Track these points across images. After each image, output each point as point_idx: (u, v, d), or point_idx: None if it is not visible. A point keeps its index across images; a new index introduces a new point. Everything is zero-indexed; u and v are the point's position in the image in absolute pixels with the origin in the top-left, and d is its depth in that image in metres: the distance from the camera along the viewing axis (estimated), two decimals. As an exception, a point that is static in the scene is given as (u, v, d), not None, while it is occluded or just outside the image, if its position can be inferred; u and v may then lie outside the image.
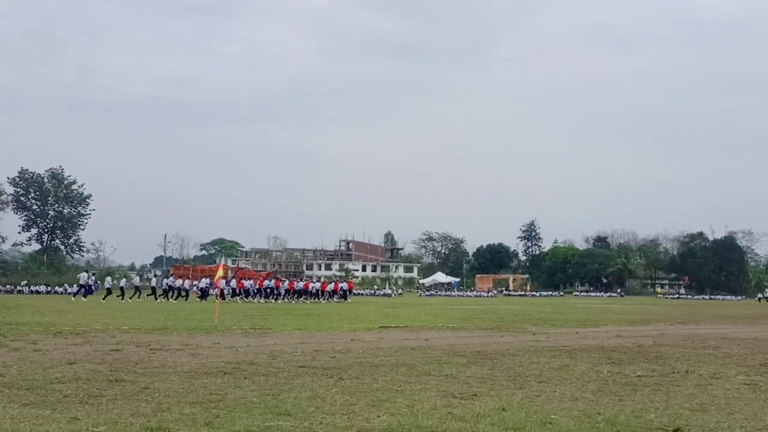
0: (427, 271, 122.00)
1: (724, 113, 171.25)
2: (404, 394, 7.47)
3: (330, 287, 46.85)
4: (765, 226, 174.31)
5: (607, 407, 6.92)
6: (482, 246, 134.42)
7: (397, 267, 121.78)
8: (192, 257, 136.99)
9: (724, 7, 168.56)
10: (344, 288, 48.16)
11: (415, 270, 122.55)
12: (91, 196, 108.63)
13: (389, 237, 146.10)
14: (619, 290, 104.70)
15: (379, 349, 12.36)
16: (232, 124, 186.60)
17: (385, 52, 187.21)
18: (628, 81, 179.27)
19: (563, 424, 6.03)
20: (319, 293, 45.12)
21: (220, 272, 24.55)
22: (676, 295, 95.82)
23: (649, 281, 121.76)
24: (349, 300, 46.12)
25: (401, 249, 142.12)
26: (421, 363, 10.25)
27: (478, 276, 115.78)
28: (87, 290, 41.43)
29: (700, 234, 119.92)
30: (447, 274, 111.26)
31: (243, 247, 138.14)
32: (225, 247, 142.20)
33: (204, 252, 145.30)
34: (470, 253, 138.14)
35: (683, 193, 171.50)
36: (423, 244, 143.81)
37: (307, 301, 42.60)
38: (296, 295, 44.16)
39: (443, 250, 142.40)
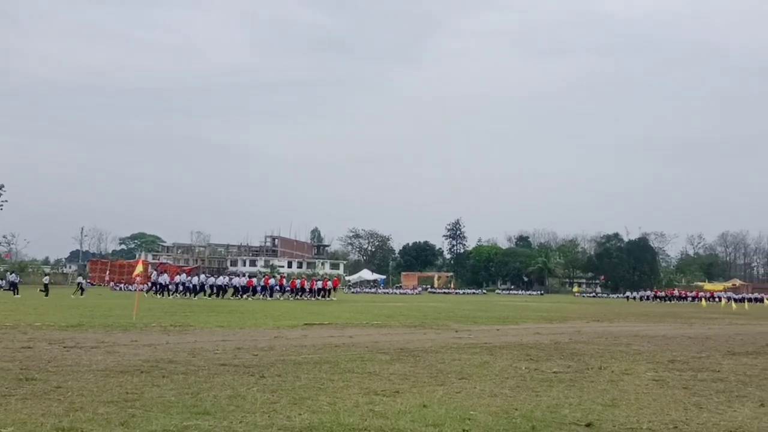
0: (354, 268, 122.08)
1: (639, 117, 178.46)
2: (326, 391, 7.45)
3: (318, 285, 47.29)
4: (676, 228, 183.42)
5: (524, 403, 7.10)
6: (408, 244, 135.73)
7: (323, 264, 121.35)
8: (110, 252, 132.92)
9: (639, 16, 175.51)
10: (330, 287, 48.51)
11: (342, 267, 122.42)
12: (3, 186, 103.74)
13: (316, 233, 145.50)
14: (541, 290, 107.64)
15: (303, 346, 12.30)
16: (156, 115, 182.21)
17: (316, 47, 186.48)
18: (551, 83, 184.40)
19: (481, 419, 6.15)
20: (306, 291, 45.49)
21: (139, 268, 23.81)
22: (593, 294, 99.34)
23: (567, 280, 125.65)
24: (333, 298, 46.63)
25: (328, 246, 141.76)
26: (344, 360, 10.25)
27: (403, 273, 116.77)
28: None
29: (616, 235, 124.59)
30: (373, 271, 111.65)
31: (164, 242, 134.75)
32: (145, 242, 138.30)
33: (123, 246, 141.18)
34: (396, 251, 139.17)
35: (601, 195, 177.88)
36: (350, 241, 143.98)
37: (291, 298, 43.06)
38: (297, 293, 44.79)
39: (370, 248, 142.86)
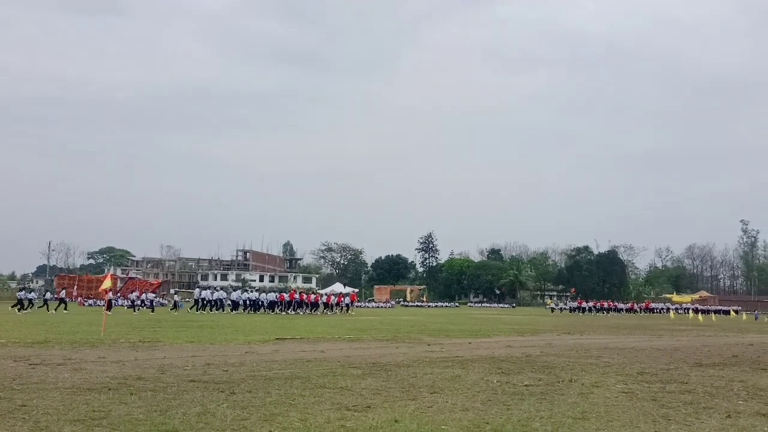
0: (326, 281, 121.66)
1: (608, 132, 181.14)
2: (298, 407, 7.39)
3: (333, 299, 49.59)
4: (644, 241, 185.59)
5: (495, 417, 7.11)
6: (381, 257, 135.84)
7: (295, 277, 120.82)
8: (78, 266, 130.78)
9: (609, 33, 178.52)
10: (348, 302, 51.29)
11: (314, 281, 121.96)
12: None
13: (288, 247, 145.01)
14: (512, 302, 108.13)
15: (274, 361, 12.19)
16: (123, 127, 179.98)
17: (287, 60, 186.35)
18: (521, 97, 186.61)
19: (453, 434, 6.15)
20: (325, 305, 47.26)
21: (107, 283, 23.43)
22: (568, 308, 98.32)
23: (538, 292, 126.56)
24: (352, 312, 48.37)
25: (300, 259, 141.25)
26: (316, 375, 10.18)
27: (376, 287, 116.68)
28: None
29: (586, 248, 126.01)
30: (345, 284, 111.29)
31: (134, 256, 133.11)
32: (114, 256, 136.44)
33: (92, 261, 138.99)
34: (369, 264, 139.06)
35: (572, 208, 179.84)
36: (322, 255, 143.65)
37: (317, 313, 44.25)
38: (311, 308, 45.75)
39: (342, 261, 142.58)
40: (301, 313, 43.61)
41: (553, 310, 73.23)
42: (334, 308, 47.97)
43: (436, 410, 7.44)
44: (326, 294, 55.87)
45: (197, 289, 48.51)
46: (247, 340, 17.70)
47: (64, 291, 46.58)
